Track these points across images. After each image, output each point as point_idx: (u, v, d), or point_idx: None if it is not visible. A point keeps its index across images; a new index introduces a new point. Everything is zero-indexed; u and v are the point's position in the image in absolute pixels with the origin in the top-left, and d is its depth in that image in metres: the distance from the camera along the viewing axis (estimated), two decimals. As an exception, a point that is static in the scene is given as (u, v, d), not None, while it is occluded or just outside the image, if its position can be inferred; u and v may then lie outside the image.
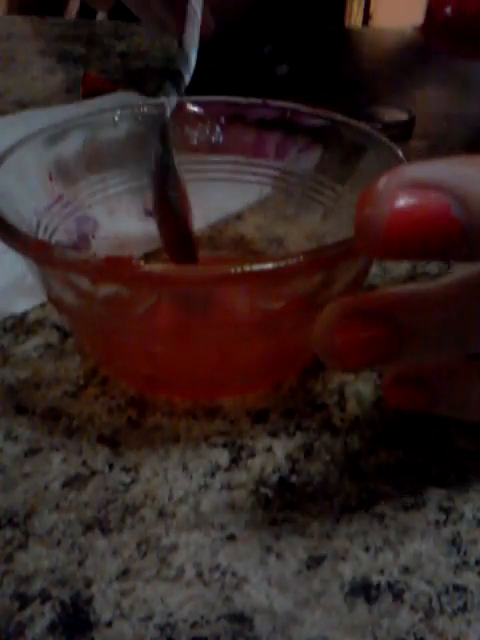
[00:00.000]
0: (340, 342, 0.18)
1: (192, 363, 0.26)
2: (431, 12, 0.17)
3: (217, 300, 0.23)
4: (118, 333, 0.25)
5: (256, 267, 0.20)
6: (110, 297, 0.23)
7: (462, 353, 0.21)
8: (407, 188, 0.15)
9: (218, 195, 0.33)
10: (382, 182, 0.15)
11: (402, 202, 0.15)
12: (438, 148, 0.46)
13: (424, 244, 0.15)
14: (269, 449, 0.25)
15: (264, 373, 0.27)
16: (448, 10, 0.17)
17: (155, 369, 0.26)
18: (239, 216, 0.35)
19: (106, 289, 0.23)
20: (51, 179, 0.29)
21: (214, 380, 0.27)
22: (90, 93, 0.55)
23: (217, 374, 0.27)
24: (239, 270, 0.20)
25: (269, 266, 0.20)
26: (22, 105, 0.55)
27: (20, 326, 0.30)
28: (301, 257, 0.20)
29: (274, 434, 0.25)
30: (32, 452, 0.24)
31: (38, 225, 0.27)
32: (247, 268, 0.20)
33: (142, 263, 0.20)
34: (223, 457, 0.24)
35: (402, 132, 0.48)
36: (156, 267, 0.20)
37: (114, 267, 0.20)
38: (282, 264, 0.20)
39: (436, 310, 0.18)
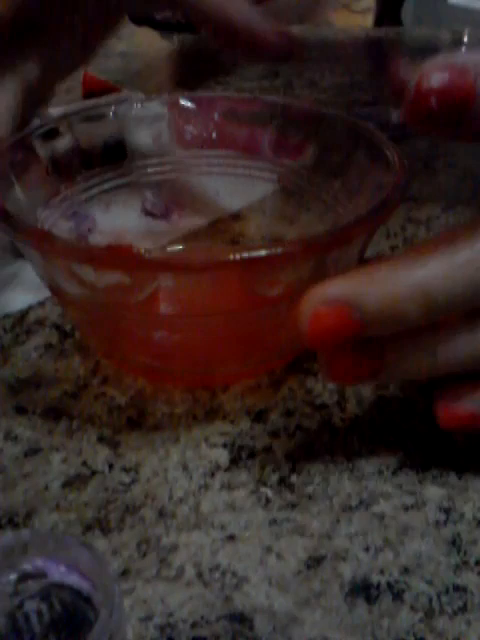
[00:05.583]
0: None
1: (191, 350, 0.26)
2: (415, 101, 0.19)
3: (214, 286, 0.23)
4: (120, 322, 0.25)
5: (255, 254, 0.20)
6: (111, 285, 0.23)
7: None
8: (320, 305, 0.20)
9: (215, 192, 0.33)
10: (305, 300, 0.20)
11: (318, 314, 0.20)
12: (437, 147, 0.46)
13: (334, 339, 0.20)
14: (269, 449, 0.25)
15: (259, 360, 0.28)
16: (433, 100, 0.19)
17: (156, 357, 0.27)
18: (238, 215, 0.35)
19: (107, 278, 0.23)
20: (48, 174, 0.29)
21: (212, 368, 0.27)
22: (90, 93, 0.55)
23: (215, 362, 0.27)
24: (239, 257, 0.20)
25: (266, 253, 0.20)
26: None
27: (20, 326, 0.30)
28: (296, 244, 0.21)
29: (274, 434, 0.25)
30: (32, 452, 0.24)
31: (36, 220, 0.27)
32: (246, 254, 0.20)
33: (143, 250, 0.20)
34: (223, 457, 0.24)
35: (403, 132, 0.47)
36: (157, 254, 0.21)
37: (116, 255, 0.21)
38: (279, 251, 0.21)
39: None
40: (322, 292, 0.20)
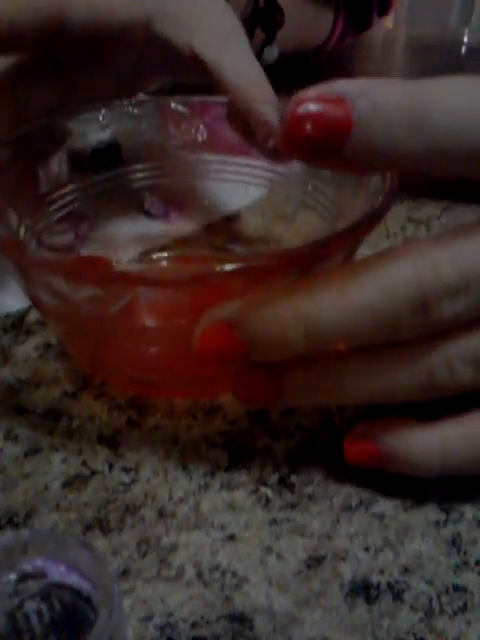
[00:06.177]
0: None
1: (174, 362, 0.26)
2: (290, 128, 0.18)
3: (193, 297, 0.23)
4: (100, 334, 0.25)
5: (227, 267, 0.20)
6: (86, 298, 0.23)
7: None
8: (209, 325, 0.21)
9: (209, 196, 0.33)
10: (200, 319, 0.21)
11: (206, 333, 0.21)
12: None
13: None
14: (269, 449, 0.25)
15: None
16: (308, 128, 0.18)
17: (139, 370, 0.26)
18: (234, 217, 0.35)
19: (83, 290, 0.22)
20: (39, 179, 0.29)
21: (198, 381, 0.27)
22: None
23: (196, 373, 0.26)
24: (215, 270, 0.20)
25: (243, 266, 0.20)
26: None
27: (20, 326, 0.30)
28: (274, 257, 0.21)
29: (274, 434, 0.25)
30: (32, 452, 0.24)
31: (30, 226, 0.27)
32: (217, 268, 0.20)
33: (115, 263, 0.20)
34: (223, 457, 0.24)
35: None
36: (128, 267, 0.20)
37: (87, 267, 0.20)
38: (253, 264, 0.20)
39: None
40: (213, 313, 0.21)
